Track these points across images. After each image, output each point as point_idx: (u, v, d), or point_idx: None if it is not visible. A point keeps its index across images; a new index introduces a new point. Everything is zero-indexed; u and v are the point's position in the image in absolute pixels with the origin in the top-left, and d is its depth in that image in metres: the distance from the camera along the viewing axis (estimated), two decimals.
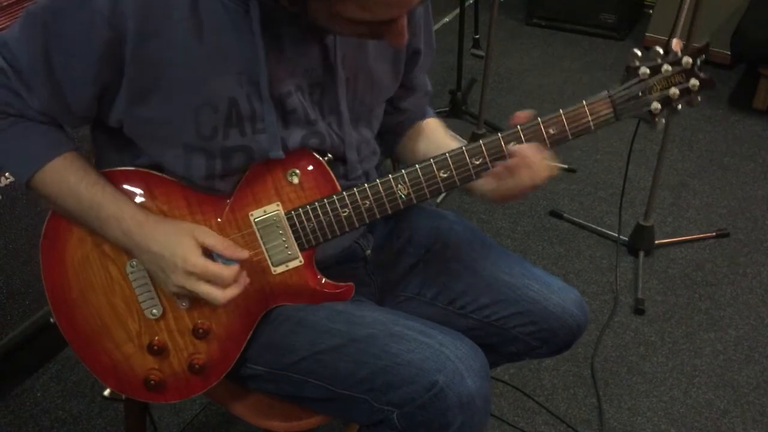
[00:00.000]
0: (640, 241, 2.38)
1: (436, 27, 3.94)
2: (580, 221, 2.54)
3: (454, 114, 3.14)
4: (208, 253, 1.07)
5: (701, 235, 2.48)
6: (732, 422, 1.87)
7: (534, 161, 1.06)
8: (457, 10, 3.27)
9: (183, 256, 1.04)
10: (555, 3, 3.85)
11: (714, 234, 2.49)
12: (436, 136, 1.29)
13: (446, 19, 4.01)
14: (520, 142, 1.07)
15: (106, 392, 1.28)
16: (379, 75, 1.18)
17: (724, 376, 2.00)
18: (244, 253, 1.09)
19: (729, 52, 3.21)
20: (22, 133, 1.07)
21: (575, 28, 3.85)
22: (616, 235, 2.40)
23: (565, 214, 2.57)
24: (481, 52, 3.42)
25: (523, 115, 1.08)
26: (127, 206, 1.07)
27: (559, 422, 1.85)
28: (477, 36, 3.58)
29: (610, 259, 2.38)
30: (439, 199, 2.61)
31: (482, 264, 1.26)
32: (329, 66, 1.09)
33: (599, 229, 2.50)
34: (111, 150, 1.14)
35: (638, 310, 2.19)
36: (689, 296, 2.26)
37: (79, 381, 1.91)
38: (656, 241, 2.40)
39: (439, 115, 3.07)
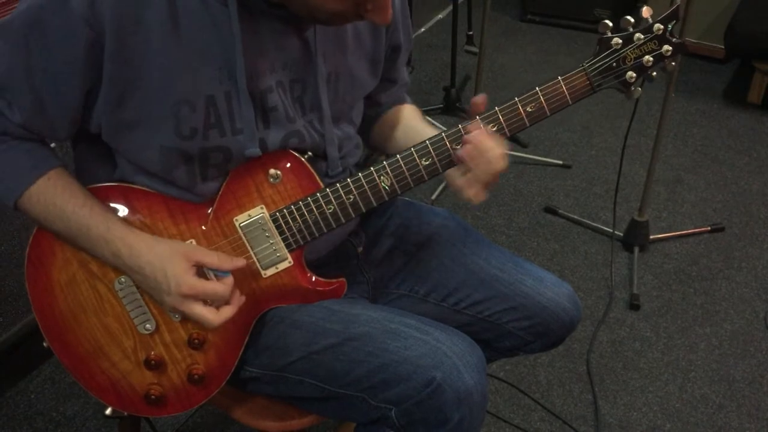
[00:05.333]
0: (634, 237, 2.38)
1: (429, 24, 3.93)
2: (575, 217, 2.54)
3: (448, 111, 3.13)
4: (202, 271, 1.05)
5: (696, 230, 2.49)
6: (727, 417, 1.87)
7: (486, 147, 1.05)
8: (451, 7, 3.26)
9: (175, 279, 1.02)
10: None
11: (709, 228, 2.49)
12: (413, 123, 1.28)
13: (440, 16, 4.00)
14: (499, 123, 1.07)
15: (108, 411, 1.25)
16: (359, 73, 1.17)
17: (719, 370, 2.00)
18: (240, 261, 1.08)
19: (723, 46, 3.21)
20: (4, 154, 1.05)
21: (570, 23, 3.85)
22: (611, 230, 2.40)
23: (559, 210, 2.57)
24: (474, 49, 3.41)
25: (480, 100, 1.08)
26: (115, 227, 1.05)
27: (555, 418, 1.85)
28: (471, 32, 3.57)
29: (605, 255, 2.38)
30: (433, 196, 2.61)
31: (475, 260, 1.26)
32: (309, 61, 1.08)
33: (594, 224, 2.50)
34: (89, 161, 1.12)
35: (633, 306, 2.19)
36: (684, 291, 2.26)
37: (73, 383, 1.87)
38: (651, 237, 2.40)
39: (433, 111, 3.11)
